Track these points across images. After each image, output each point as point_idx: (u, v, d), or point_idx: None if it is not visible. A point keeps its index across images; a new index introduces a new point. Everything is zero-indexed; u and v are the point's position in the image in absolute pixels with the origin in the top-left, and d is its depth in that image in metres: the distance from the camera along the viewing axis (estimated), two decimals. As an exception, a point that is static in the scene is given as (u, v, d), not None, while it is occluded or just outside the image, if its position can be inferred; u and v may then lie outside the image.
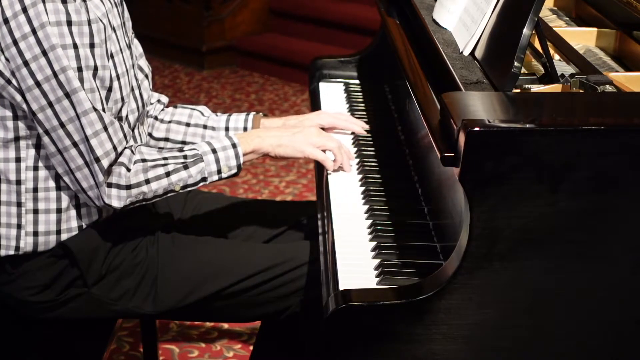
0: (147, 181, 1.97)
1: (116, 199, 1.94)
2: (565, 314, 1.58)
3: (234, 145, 2.04)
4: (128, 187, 1.95)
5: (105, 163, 1.91)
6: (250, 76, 6.42)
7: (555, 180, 1.49)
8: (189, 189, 2.03)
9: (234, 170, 2.04)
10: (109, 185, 1.93)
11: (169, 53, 6.60)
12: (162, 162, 1.99)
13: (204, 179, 2.02)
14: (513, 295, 1.56)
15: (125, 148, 1.97)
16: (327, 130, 2.30)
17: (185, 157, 2.01)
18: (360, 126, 2.33)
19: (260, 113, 2.33)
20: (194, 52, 6.57)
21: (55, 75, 1.85)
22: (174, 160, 2.00)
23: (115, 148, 1.92)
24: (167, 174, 1.99)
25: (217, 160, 2.02)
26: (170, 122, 2.30)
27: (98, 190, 1.93)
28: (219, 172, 2.03)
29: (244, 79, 6.36)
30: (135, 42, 2.22)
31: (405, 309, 1.56)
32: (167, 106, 2.34)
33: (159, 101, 2.32)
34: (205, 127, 2.29)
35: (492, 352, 1.59)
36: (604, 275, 1.56)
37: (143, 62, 2.21)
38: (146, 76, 2.19)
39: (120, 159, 1.95)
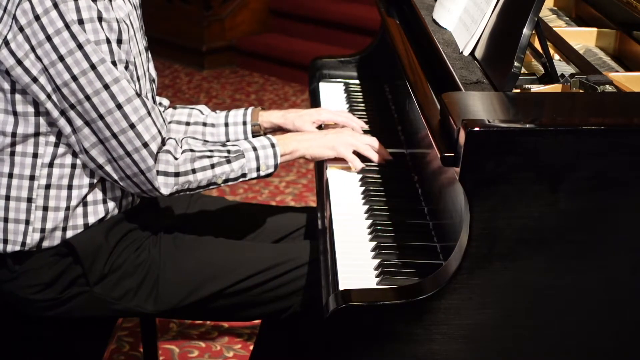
0: (194, 171, 2.01)
1: (164, 186, 1.99)
2: (566, 314, 1.58)
3: (272, 145, 2.10)
4: (176, 174, 1.99)
5: (154, 147, 1.96)
6: (250, 76, 6.42)
7: (555, 180, 1.49)
8: (229, 183, 2.08)
9: (271, 170, 2.10)
10: (157, 172, 1.97)
11: (169, 53, 6.60)
12: (209, 154, 2.04)
13: (244, 175, 2.07)
14: (513, 295, 1.56)
15: (169, 138, 2.02)
16: (327, 125, 2.33)
17: (228, 151, 2.06)
18: (360, 126, 2.34)
19: (259, 107, 2.36)
20: (194, 52, 6.57)
21: (93, 67, 1.88)
22: (218, 153, 2.05)
23: (159, 132, 1.98)
24: (212, 166, 2.03)
25: (257, 158, 2.07)
26: (170, 122, 2.31)
27: (145, 176, 1.97)
28: (258, 169, 2.08)
29: (244, 79, 6.36)
30: None
31: (405, 309, 1.56)
32: (168, 108, 2.36)
33: (160, 104, 2.33)
34: (204, 124, 2.31)
35: (492, 352, 1.59)
36: (604, 275, 1.56)
37: (151, 67, 2.22)
38: (152, 81, 2.20)
39: (166, 147, 2.00)
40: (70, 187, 2.00)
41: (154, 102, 2.15)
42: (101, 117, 1.91)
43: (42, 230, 2.00)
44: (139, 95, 1.94)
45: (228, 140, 2.31)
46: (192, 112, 2.33)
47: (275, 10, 6.70)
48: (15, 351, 2.10)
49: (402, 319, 1.56)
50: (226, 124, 2.31)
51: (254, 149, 2.08)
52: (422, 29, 2.16)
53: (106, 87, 1.90)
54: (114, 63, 1.91)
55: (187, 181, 2.01)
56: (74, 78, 1.88)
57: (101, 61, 1.89)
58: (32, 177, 1.99)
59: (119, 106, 1.91)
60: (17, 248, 2.00)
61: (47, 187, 1.99)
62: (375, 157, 2.19)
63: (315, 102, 2.70)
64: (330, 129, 2.28)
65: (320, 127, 2.35)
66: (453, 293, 1.55)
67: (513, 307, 1.57)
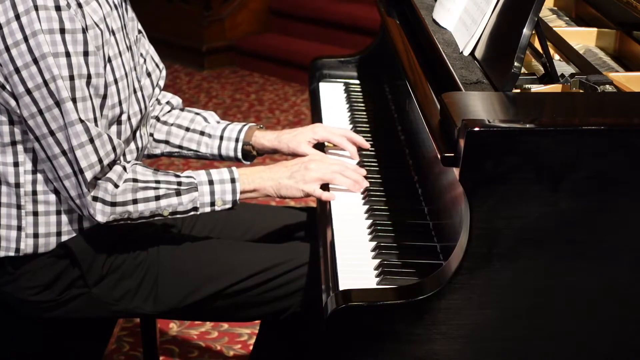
0: (135, 201, 1.95)
1: (100, 214, 1.92)
2: (565, 314, 1.58)
3: (232, 180, 2.00)
4: (113, 204, 1.92)
5: (88, 175, 1.88)
6: (250, 76, 6.43)
7: (555, 180, 1.49)
8: (178, 216, 2.00)
9: (229, 205, 2.01)
10: (94, 199, 1.91)
11: (169, 53, 6.58)
12: (154, 185, 1.96)
13: (195, 209, 1.99)
14: (513, 295, 1.56)
15: (115, 163, 1.94)
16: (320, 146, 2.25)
17: (179, 183, 1.98)
18: (359, 144, 2.23)
19: (255, 125, 2.29)
20: (194, 52, 6.57)
21: (45, 83, 1.84)
22: (166, 185, 1.97)
23: (100, 161, 1.89)
24: (157, 198, 1.96)
25: (212, 193, 1.99)
26: (172, 124, 2.28)
27: (75, 202, 1.93)
28: (212, 204, 2.00)
29: (244, 79, 6.37)
30: (143, 40, 2.20)
31: (405, 309, 1.56)
32: (175, 108, 2.33)
33: (168, 102, 2.31)
34: (202, 133, 2.27)
35: (492, 352, 1.59)
36: (604, 276, 1.56)
37: (149, 60, 2.20)
38: (149, 75, 2.18)
39: (109, 174, 1.92)
40: (57, 191, 1.98)
41: (145, 99, 2.08)
42: (52, 133, 1.87)
43: (35, 235, 1.99)
44: (82, 121, 1.86)
45: (220, 154, 2.26)
46: (195, 117, 2.29)
47: (275, 10, 6.70)
48: (15, 351, 2.10)
49: (402, 319, 1.56)
50: (221, 137, 2.25)
51: (211, 182, 1.99)
52: (422, 29, 2.16)
53: (57, 104, 1.85)
54: (72, 77, 1.85)
55: (126, 211, 1.94)
56: (28, 92, 1.85)
57: (53, 78, 1.84)
58: (17, 185, 1.97)
59: (64, 127, 1.86)
60: (12, 254, 2.00)
61: (34, 193, 1.97)
62: (348, 183, 2.06)
63: (315, 102, 2.69)
64: (298, 161, 2.10)
65: (322, 147, 2.25)
66: (453, 293, 1.55)
67: (513, 307, 1.57)
